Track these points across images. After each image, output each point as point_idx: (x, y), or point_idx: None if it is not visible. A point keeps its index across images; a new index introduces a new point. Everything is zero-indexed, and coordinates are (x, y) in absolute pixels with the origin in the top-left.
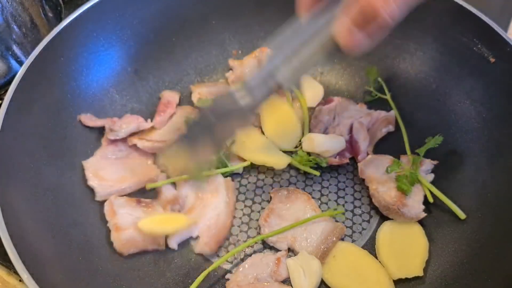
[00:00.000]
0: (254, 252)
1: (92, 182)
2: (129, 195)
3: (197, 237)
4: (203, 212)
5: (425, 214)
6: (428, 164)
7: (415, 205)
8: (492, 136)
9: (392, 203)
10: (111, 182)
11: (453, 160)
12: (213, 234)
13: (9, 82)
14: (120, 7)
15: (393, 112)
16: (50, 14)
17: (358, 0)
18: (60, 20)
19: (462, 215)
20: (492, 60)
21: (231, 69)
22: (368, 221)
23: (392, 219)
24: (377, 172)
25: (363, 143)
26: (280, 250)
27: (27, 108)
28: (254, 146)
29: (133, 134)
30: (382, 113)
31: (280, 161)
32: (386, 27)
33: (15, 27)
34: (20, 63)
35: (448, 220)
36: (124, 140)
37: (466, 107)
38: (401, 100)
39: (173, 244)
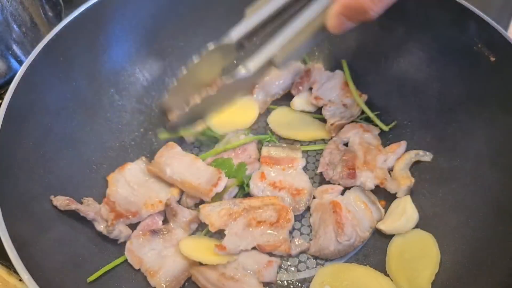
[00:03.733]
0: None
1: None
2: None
3: None
4: None
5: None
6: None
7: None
8: (492, 136)
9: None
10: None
11: (454, 160)
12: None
13: (9, 82)
14: (119, 7)
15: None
16: (50, 14)
17: None
18: (60, 19)
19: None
20: (492, 59)
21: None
22: None
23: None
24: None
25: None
26: None
27: (27, 108)
28: (286, 121)
29: None
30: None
31: (307, 135)
32: (370, 19)
33: (15, 26)
34: (20, 63)
35: (449, 219)
36: None
37: (466, 107)
38: (401, 99)
39: None
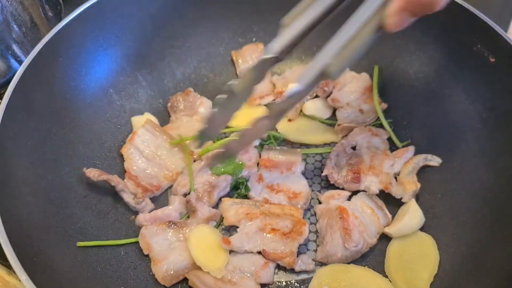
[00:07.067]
0: None
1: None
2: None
3: None
4: None
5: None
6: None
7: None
8: (492, 136)
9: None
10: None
11: (453, 160)
12: None
13: (9, 82)
14: (119, 7)
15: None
16: (50, 14)
17: None
18: (60, 19)
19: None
20: (492, 60)
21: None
22: None
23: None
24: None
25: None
26: None
27: (25, 107)
28: (295, 126)
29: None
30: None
31: (317, 139)
32: (434, 11)
33: (15, 26)
34: (20, 63)
35: (448, 220)
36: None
37: (465, 107)
38: (401, 100)
39: None
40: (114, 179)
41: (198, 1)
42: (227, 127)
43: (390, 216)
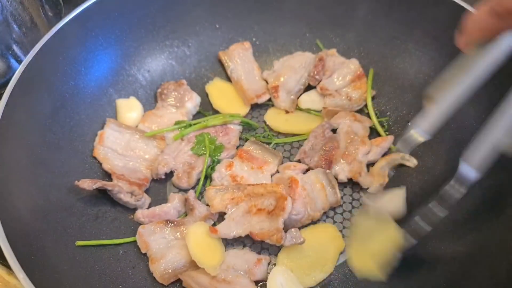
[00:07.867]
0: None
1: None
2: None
3: None
4: None
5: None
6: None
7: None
8: None
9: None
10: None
11: (452, 161)
12: None
13: (9, 82)
14: (119, 6)
15: None
16: (50, 14)
17: None
18: (60, 19)
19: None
20: None
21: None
22: None
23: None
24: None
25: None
26: None
27: (25, 107)
28: (284, 117)
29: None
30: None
31: (305, 128)
32: None
33: (15, 26)
34: (20, 63)
35: (448, 220)
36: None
37: (465, 108)
38: (400, 100)
39: None
40: (109, 184)
41: (198, 1)
42: (217, 111)
43: (339, 195)
